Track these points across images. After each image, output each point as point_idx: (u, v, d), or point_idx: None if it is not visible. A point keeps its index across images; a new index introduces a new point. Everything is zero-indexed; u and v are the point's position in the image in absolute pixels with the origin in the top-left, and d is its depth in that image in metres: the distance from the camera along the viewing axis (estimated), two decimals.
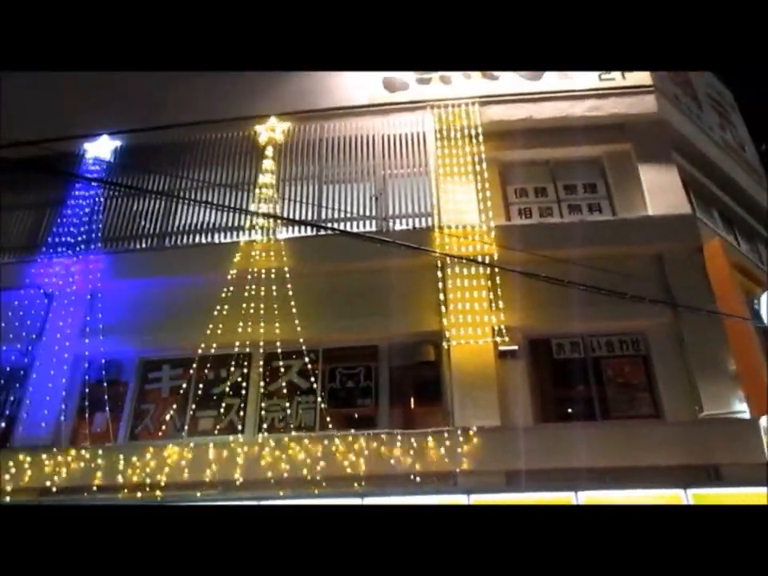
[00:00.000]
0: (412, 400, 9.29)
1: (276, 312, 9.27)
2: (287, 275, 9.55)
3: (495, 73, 11.49)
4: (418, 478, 7.96)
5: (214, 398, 9.21)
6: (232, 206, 10.82)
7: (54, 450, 8.70)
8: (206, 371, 9.24)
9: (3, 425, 9.31)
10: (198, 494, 8.00)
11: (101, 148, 11.84)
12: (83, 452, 8.62)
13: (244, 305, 9.39)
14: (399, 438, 8.25)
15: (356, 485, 7.93)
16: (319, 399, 8.96)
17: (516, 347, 8.94)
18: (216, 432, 8.89)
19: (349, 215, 10.58)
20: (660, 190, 10.29)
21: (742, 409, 8.21)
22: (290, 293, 9.36)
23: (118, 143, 11.91)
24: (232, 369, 9.29)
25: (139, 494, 8.14)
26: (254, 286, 9.57)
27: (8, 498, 8.28)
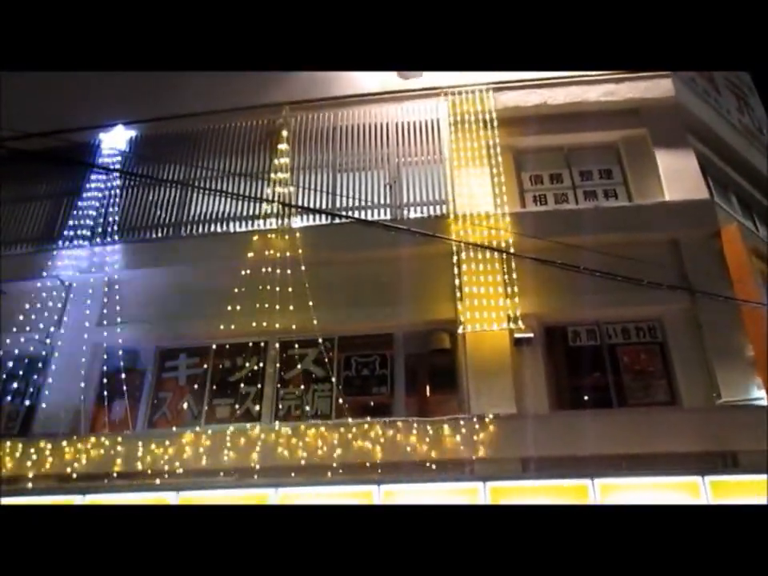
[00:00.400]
0: (427, 388, 9.31)
1: (291, 300, 9.30)
2: (302, 264, 9.56)
3: None
4: (433, 466, 7.99)
5: (231, 386, 9.29)
6: (246, 194, 10.85)
7: (74, 437, 8.81)
8: (222, 360, 9.31)
9: (23, 412, 9.47)
10: (216, 481, 8.07)
11: (116, 138, 11.88)
12: (102, 439, 8.73)
13: (259, 294, 9.43)
14: (415, 425, 8.27)
15: (372, 472, 7.97)
16: (335, 387, 8.99)
17: (531, 334, 8.90)
18: (233, 420, 8.96)
19: (363, 203, 10.55)
20: (677, 175, 10.18)
21: (760, 396, 8.15)
22: (306, 282, 9.37)
23: (132, 133, 11.96)
24: (248, 357, 9.35)
25: (158, 481, 8.23)
26: (269, 274, 9.61)
27: (30, 485, 8.43)
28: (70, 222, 11.02)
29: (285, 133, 11.22)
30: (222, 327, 9.13)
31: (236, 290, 9.32)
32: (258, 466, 8.18)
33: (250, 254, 9.78)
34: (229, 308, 9.19)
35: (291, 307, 9.19)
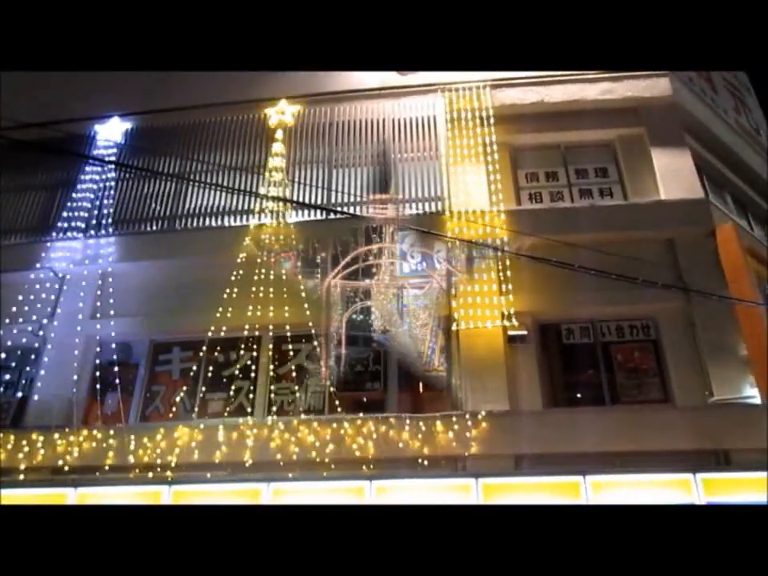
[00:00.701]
0: (420, 384, 9.30)
1: (285, 295, 9.28)
2: (297, 259, 9.53)
3: None
4: (426, 462, 7.99)
5: (224, 380, 9.28)
6: (242, 189, 10.81)
7: (66, 429, 8.78)
8: (215, 354, 9.29)
9: (16, 404, 9.45)
10: (208, 475, 8.07)
11: (112, 130, 11.85)
12: (95, 432, 8.70)
13: (253, 288, 9.41)
14: (408, 421, 8.27)
15: (364, 468, 7.97)
16: (328, 383, 8.98)
17: (525, 332, 8.91)
18: (226, 414, 8.95)
19: (358, 199, 10.54)
20: (673, 174, 10.19)
21: (752, 394, 8.18)
22: (300, 276, 9.35)
23: (128, 125, 11.93)
24: (242, 352, 9.32)
25: (150, 475, 8.22)
26: (263, 270, 9.59)
27: (21, 477, 8.40)
28: (65, 214, 10.98)
29: (281, 128, 11.18)
30: (215, 321, 9.11)
31: (230, 285, 9.31)
32: (250, 461, 8.17)
33: (245, 249, 9.75)
34: (223, 302, 9.18)
35: (285, 302, 9.18)
